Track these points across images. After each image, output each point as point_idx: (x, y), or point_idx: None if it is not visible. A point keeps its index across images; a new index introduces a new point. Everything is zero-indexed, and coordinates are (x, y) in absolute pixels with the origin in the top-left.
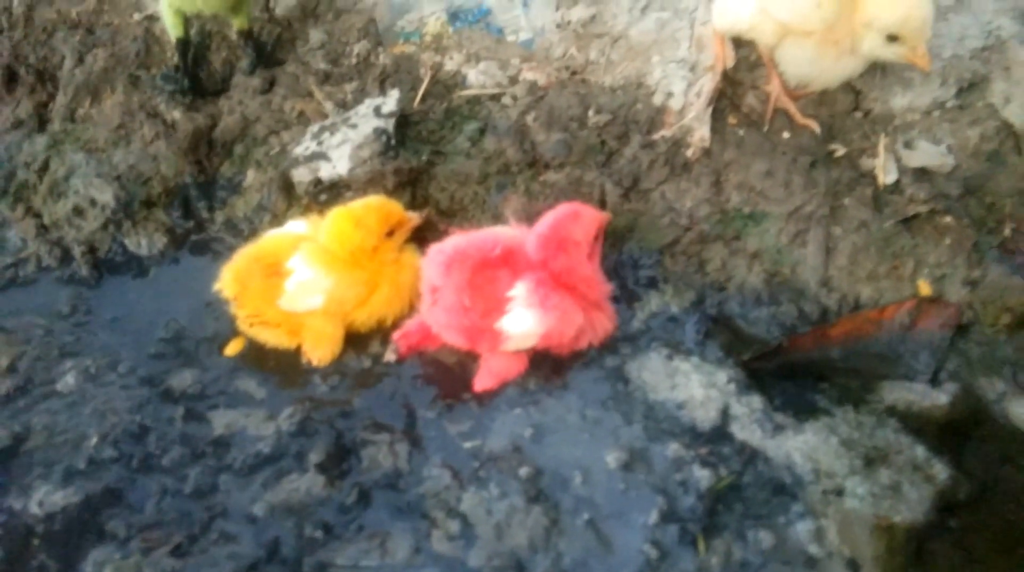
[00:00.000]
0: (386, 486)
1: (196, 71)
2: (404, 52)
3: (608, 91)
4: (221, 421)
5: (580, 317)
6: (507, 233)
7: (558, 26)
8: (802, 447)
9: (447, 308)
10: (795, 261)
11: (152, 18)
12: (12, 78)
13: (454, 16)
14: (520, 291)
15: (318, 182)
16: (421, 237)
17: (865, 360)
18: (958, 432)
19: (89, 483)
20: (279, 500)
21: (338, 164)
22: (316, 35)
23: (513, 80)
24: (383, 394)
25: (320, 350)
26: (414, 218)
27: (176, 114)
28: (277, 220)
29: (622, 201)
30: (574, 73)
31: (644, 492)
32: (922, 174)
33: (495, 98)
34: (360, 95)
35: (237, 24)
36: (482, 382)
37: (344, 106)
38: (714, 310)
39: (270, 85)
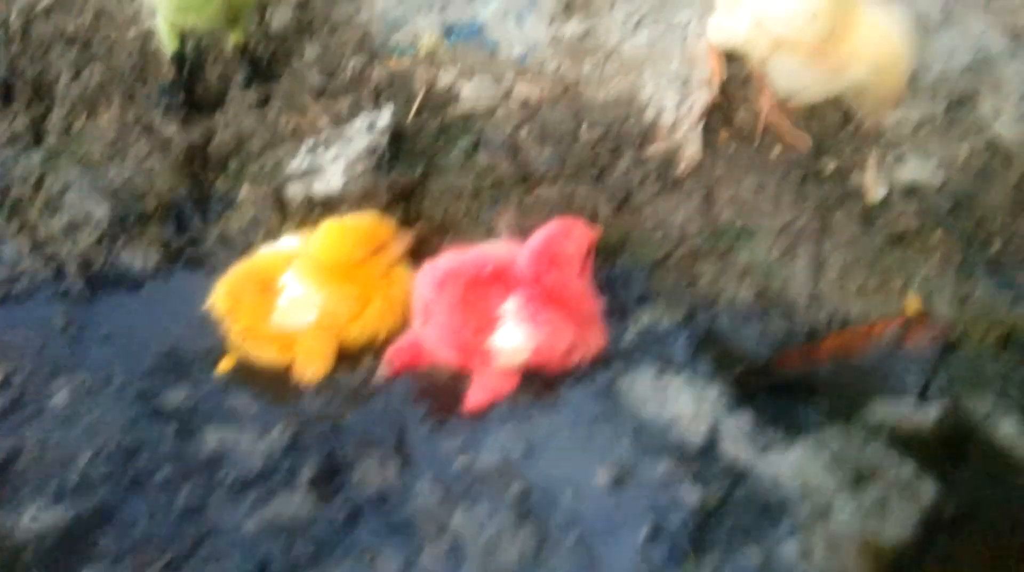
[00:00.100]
0: (377, 503)
1: (192, 86)
2: (399, 67)
3: (601, 106)
4: (213, 437)
5: (571, 333)
6: (499, 250)
7: (552, 41)
8: (791, 464)
9: (439, 325)
10: (785, 276)
11: (148, 34)
12: (8, 92)
13: (449, 31)
14: (511, 306)
15: (312, 198)
16: (415, 252)
17: (854, 376)
18: (946, 449)
19: (81, 501)
20: (270, 517)
21: (332, 179)
22: (311, 50)
23: (506, 95)
24: (375, 410)
25: (312, 367)
26: (400, 243)
27: (171, 129)
28: (271, 235)
29: (614, 216)
30: (567, 88)
31: (634, 509)
32: (912, 189)
33: (488, 113)
34: (355, 110)
35: (233, 39)
36: (474, 400)
37: (339, 121)
38: (705, 325)
39: (265, 100)
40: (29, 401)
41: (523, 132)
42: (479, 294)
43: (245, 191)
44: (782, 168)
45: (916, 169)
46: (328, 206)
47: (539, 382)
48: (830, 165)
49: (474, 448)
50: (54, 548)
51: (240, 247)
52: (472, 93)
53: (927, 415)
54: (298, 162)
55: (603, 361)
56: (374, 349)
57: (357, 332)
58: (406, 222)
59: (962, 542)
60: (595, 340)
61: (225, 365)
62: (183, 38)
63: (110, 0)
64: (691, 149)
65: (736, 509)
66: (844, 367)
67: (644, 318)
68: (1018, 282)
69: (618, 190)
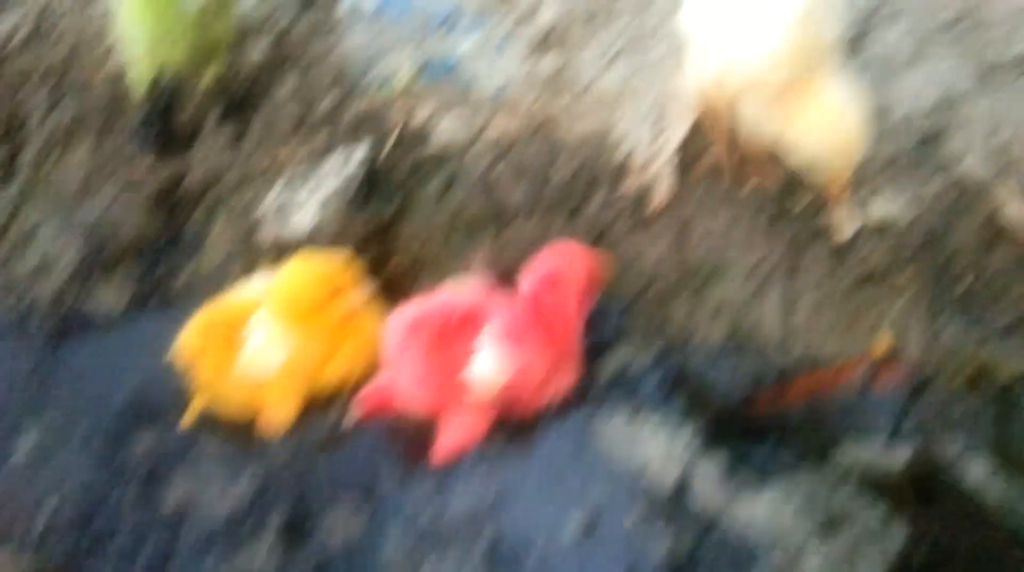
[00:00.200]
0: (345, 554)
1: (166, 123)
2: (374, 103)
3: (575, 143)
4: (179, 486)
5: (548, 362)
6: (470, 294)
7: (527, 77)
8: (762, 510)
9: (408, 373)
10: (757, 316)
11: (122, 69)
12: None
13: (424, 67)
14: (491, 329)
15: (285, 237)
16: (389, 291)
17: (825, 419)
18: (917, 492)
19: (44, 553)
20: (237, 570)
21: (304, 218)
22: (286, 85)
23: (482, 131)
24: (344, 457)
25: (279, 415)
26: (358, 295)
27: (144, 167)
28: (244, 275)
29: None
30: (542, 124)
31: (605, 558)
32: (881, 227)
33: (463, 149)
34: (330, 146)
35: (209, 74)
36: (444, 446)
37: (313, 158)
38: (678, 365)
39: (239, 136)
40: None
41: (498, 169)
42: (450, 340)
43: (218, 230)
44: (753, 206)
45: (886, 207)
46: (301, 245)
47: (510, 428)
48: (800, 203)
49: (444, 496)
50: None
51: (212, 287)
52: (447, 129)
53: (897, 458)
54: (271, 200)
55: (577, 401)
56: (344, 394)
57: (326, 378)
58: (380, 260)
59: None
60: (570, 376)
61: (192, 414)
62: (157, 74)
63: (85, 34)
64: (663, 186)
65: (706, 559)
66: (815, 409)
67: (618, 357)
68: (987, 321)
69: (592, 227)
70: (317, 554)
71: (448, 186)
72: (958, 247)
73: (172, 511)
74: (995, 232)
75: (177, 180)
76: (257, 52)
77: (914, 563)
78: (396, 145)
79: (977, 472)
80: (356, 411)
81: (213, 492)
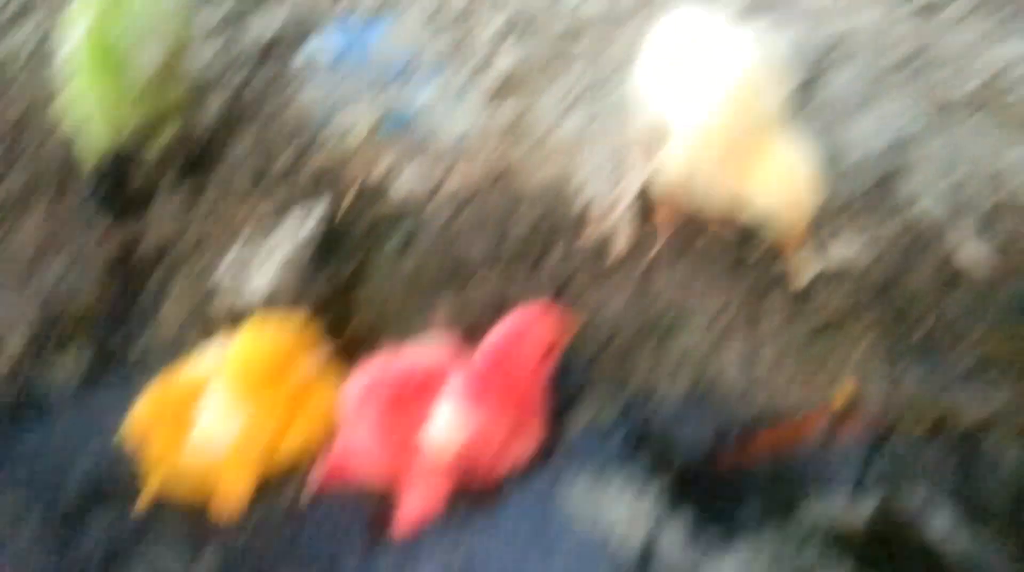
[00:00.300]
0: None
1: (119, 188)
2: (333, 157)
3: (535, 192)
4: (140, 570)
5: (509, 424)
6: (429, 355)
7: (486, 126)
8: (729, 571)
9: (366, 440)
10: (719, 367)
11: (74, 136)
12: None
13: (383, 119)
14: (451, 388)
15: (241, 302)
16: (348, 354)
17: (789, 473)
18: (882, 546)
19: None
20: None
21: (261, 284)
22: (244, 142)
23: (441, 183)
24: (305, 534)
25: (232, 496)
26: (314, 361)
27: (99, 234)
28: (201, 342)
29: None
30: (501, 174)
31: None
32: (839, 272)
33: (423, 203)
34: (287, 204)
35: (164, 136)
36: (404, 519)
37: (270, 218)
38: (642, 421)
39: (196, 197)
40: None
41: (458, 222)
42: (406, 406)
43: (174, 296)
44: (711, 253)
45: (843, 251)
46: (258, 312)
47: (471, 497)
48: (758, 249)
49: (409, 569)
50: None
51: (170, 356)
52: (406, 182)
53: (861, 512)
54: (227, 265)
55: (540, 465)
56: (303, 466)
57: (282, 450)
58: (339, 323)
59: None
60: (533, 439)
61: (146, 496)
62: (110, 139)
63: (37, 99)
64: (623, 235)
65: None
66: (779, 463)
67: (582, 415)
68: (947, 366)
69: (553, 280)
70: None
71: (408, 242)
72: (916, 290)
73: None
74: (952, 274)
75: (132, 246)
76: (213, 109)
77: None
78: (355, 201)
79: (941, 524)
80: (315, 483)
81: None
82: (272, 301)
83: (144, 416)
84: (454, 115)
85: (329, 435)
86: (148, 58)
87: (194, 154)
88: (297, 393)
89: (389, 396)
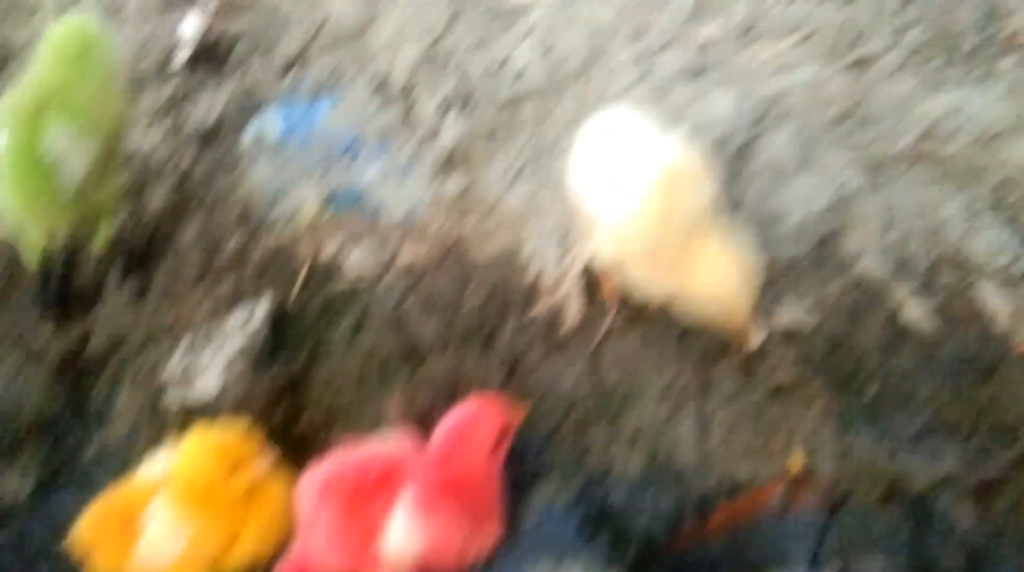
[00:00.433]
0: None
1: (63, 288)
2: (281, 240)
3: (485, 266)
4: None
5: (467, 527)
6: (386, 448)
7: (433, 200)
8: None
9: (324, 539)
10: (673, 440)
11: (14, 239)
12: None
13: (330, 199)
14: (405, 499)
15: (188, 406)
16: (301, 449)
17: (746, 548)
18: None
19: None
20: None
21: (208, 384)
22: (190, 230)
23: (391, 262)
24: None
25: None
26: (261, 465)
27: (45, 337)
28: (152, 444)
29: (504, 385)
30: (451, 248)
31: None
32: (788, 334)
33: (373, 283)
34: (237, 291)
35: (102, 235)
36: None
37: (219, 309)
38: (599, 502)
39: (142, 292)
40: None
41: (409, 302)
42: (365, 500)
43: (123, 398)
44: (662, 323)
45: (789, 314)
46: (206, 412)
47: None
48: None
49: None
50: None
51: (121, 460)
52: (356, 262)
53: None
54: (174, 365)
55: (499, 554)
56: None
57: (234, 560)
58: (291, 415)
59: None
60: (492, 533)
61: None
62: (48, 241)
63: None
64: (573, 308)
65: None
66: (735, 541)
67: (539, 497)
68: (895, 431)
69: (506, 357)
70: None
71: (359, 325)
72: (863, 351)
73: None
74: (898, 332)
75: (79, 347)
76: (158, 197)
77: None
78: (306, 282)
79: None
80: None
81: None
82: (223, 394)
83: (89, 527)
84: (401, 190)
85: (283, 538)
86: (78, 161)
87: (141, 245)
88: (245, 499)
89: (348, 490)
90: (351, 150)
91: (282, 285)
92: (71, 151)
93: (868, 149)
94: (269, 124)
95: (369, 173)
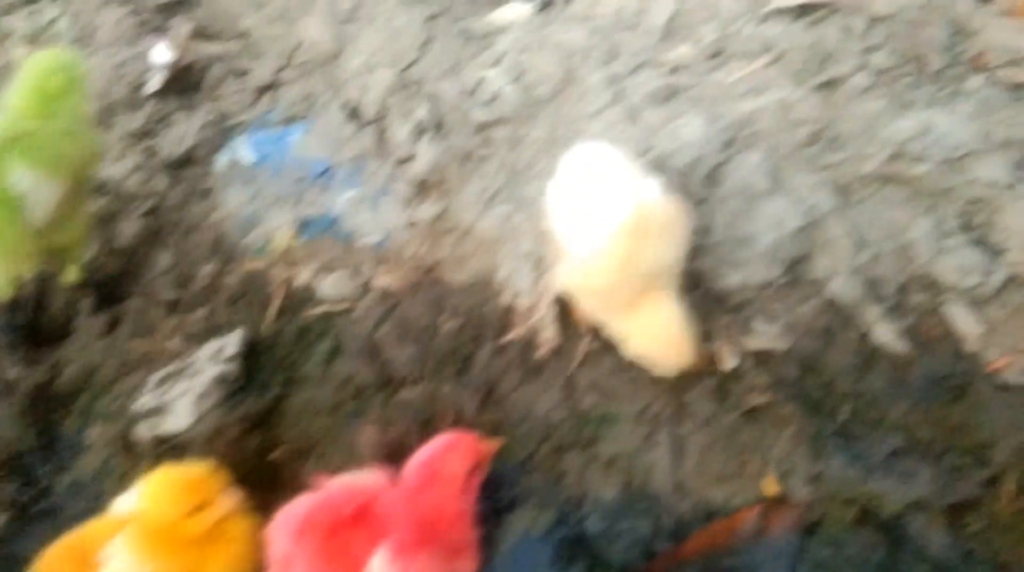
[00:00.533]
0: None
1: (34, 321)
2: (254, 269)
3: (459, 291)
4: None
5: (443, 564)
6: (362, 483)
7: (408, 225)
8: None
9: None
10: (648, 465)
11: None
12: None
13: (303, 226)
14: (378, 563)
15: (159, 440)
16: (276, 481)
17: None
18: None
19: None
20: None
21: (179, 418)
22: (162, 260)
23: (365, 289)
24: None
25: None
26: (224, 505)
27: (16, 372)
28: (123, 479)
29: (479, 413)
30: (425, 274)
31: None
32: (761, 356)
33: (347, 310)
34: (211, 319)
35: (72, 270)
36: None
37: (191, 340)
38: (575, 528)
39: (114, 324)
40: None
41: (382, 330)
42: (342, 539)
43: (95, 432)
44: None
45: (763, 335)
46: (177, 449)
47: None
48: None
49: None
50: None
51: (92, 495)
52: (330, 289)
53: None
54: (145, 399)
55: None
56: None
57: None
58: (265, 447)
59: None
60: (467, 569)
61: None
62: (16, 277)
63: None
64: (547, 333)
65: None
66: (711, 565)
67: (515, 525)
68: (868, 454)
69: (481, 384)
70: None
71: (334, 353)
72: (835, 373)
73: None
74: (870, 352)
75: (50, 381)
76: (130, 226)
77: None
78: (280, 309)
79: None
80: None
81: None
82: (196, 427)
83: (46, 567)
84: (375, 215)
85: None
86: (45, 199)
87: (112, 276)
88: (207, 539)
89: (324, 530)
90: (325, 175)
91: (255, 313)
92: (37, 189)
93: (837, 170)
94: (242, 150)
95: (343, 198)
